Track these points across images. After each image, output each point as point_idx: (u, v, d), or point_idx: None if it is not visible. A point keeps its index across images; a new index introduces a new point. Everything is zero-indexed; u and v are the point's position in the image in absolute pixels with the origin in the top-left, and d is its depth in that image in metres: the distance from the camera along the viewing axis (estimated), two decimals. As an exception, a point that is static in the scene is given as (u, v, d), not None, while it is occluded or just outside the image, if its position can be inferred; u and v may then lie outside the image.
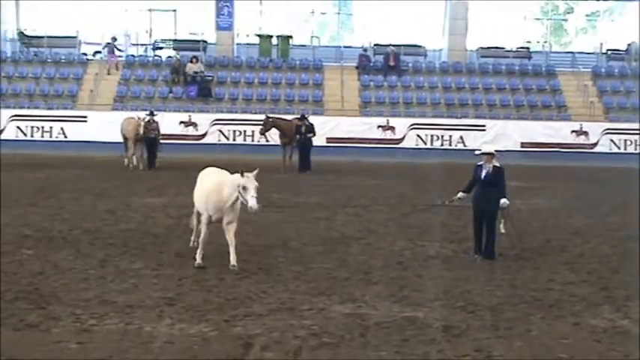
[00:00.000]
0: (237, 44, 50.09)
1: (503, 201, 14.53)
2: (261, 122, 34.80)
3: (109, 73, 46.16)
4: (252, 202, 13.15)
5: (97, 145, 38.83)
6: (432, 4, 51.56)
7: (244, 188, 13.35)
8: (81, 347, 9.16)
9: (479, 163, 14.94)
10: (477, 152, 15.20)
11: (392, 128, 43.09)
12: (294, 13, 54.89)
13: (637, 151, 42.64)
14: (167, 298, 11.35)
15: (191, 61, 45.75)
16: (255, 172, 13.66)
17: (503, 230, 14.66)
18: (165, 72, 46.59)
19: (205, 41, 49.88)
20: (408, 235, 17.04)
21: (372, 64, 47.99)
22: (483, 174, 14.72)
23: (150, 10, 50.75)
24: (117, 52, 46.93)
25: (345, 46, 52.57)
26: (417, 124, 43.48)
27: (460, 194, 15.20)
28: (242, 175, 13.62)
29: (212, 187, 14.09)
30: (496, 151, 14.99)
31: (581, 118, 44.54)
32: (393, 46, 48.36)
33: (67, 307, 10.76)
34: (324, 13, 57.88)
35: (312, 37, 53.15)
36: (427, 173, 30.87)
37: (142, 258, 14.19)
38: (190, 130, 42.55)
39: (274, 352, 9.09)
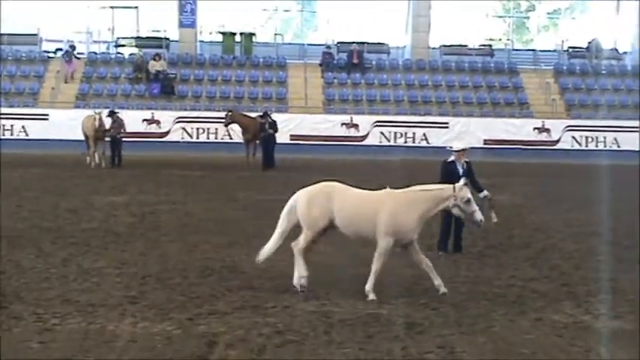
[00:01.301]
0: (200, 42, 49.94)
1: (485, 193, 14.64)
2: (224, 118, 34.88)
3: (66, 82, 45.59)
4: (480, 215, 11.95)
5: (59, 144, 38.55)
6: (395, 1, 51.65)
7: (467, 201, 11.81)
8: (43, 347, 9.08)
9: (449, 160, 15.02)
10: (454, 149, 15.25)
11: (355, 125, 43.19)
12: (258, 11, 54.77)
13: (598, 148, 43.07)
14: (130, 297, 11.28)
15: (154, 59, 45.56)
16: (463, 180, 12.19)
17: (496, 219, 14.63)
18: (128, 70, 46.36)
19: (168, 39, 49.72)
20: (372, 232, 17.06)
21: (335, 62, 48.08)
22: (460, 170, 14.80)
23: (112, 7, 50.40)
24: (74, 60, 46.21)
25: (308, 44, 52.62)
26: (381, 121, 43.61)
27: None
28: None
29: (401, 206, 11.82)
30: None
31: (543, 115, 44.91)
32: (357, 43, 48.48)
33: (28, 307, 10.66)
34: (287, 11, 57.84)
35: (275, 34, 53.15)
36: (390, 170, 30.92)
37: (104, 257, 14.10)
38: (153, 128, 42.41)
39: (238, 350, 9.06)
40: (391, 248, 11.81)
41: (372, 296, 11.52)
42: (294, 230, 12.16)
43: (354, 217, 11.93)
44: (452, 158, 14.99)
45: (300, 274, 11.87)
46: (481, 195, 14.60)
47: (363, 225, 11.88)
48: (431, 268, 11.87)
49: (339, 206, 11.91)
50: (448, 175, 14.71)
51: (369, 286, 11.64)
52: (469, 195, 11.87)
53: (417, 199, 11.86)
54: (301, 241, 12.06)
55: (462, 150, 15.01)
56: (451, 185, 11.93)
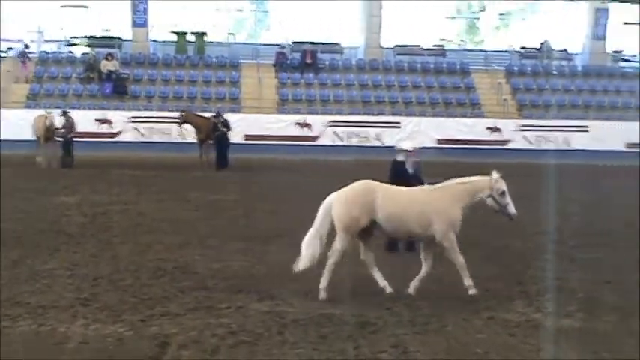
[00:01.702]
0: (153, 41, 49.62)
1: None
2: (177, 118, 34.72)
3: (26, 82, 45.07)
4: (513, 209, 12.24)
5: (9, 144, 38.03)
6: (349, 1, 51.74)
7: (502, 193, 12.10)
8: (-7, 349, 8.97)
9: (399, 160, 15.03)
10: (403, 148, 15.27)
11: (309, 125, 43.19)
12: (211, 11, 54.56)
13: (549, 148, 43.45)
14: (81, 299, 11.17)
15: (106, 59, 45.21)
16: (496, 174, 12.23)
17: None
18: (80, 69, 45.91)
19: (120, 38, 49.35)
20: (326, 232, 17.06)
21: (288, 62, 48.03)
22: (411, 170, 14.84)
23: (62, 6, 49.89)
24: (28, 61, 45.72)
25: (261, 44, 52.53)
26: (334, 121, 43.66)
27: None
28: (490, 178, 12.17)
29: (448, 201, 11.94)
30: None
31: (495, 115, 45.25)
32: (310, 43, 48.54)
33: (-22, 309, 10.52)
34: (240, 11, 57.66)
35: (228, 34, 52.98)
36: (344, 170, 30.96)
37: (55, 258, 13.95)
38: (105, 128, 42.05)
39: (191, 351, 9.02)
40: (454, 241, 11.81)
41: (473, 290, 11.63)
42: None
43: (402, 216, 11.79)
44: (401, 158, 15.01)
45: (323, 284, 11.64)
46: None
47: (413, 223, 11.80)
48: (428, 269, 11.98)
49: (384, 205, 11.72)
50: (398, 174, 14.75)
51: (467, 282, 11.72)
52: (504, 187, 12.08)
53: (457, 193, 12.00)
54: (338, 246, 11.77)
55: (412, 150, 15.05)
56: (487, 177, 12.08)
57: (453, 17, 57.61)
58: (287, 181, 27.82)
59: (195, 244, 15.51)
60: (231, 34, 53.31)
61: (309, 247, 11.79)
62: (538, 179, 28.72)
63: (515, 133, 44.23)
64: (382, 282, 11.84)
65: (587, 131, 44.56)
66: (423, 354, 9.06)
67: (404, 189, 12.34)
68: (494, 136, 44.04)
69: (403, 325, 10.16)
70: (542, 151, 42.71)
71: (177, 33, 49.51)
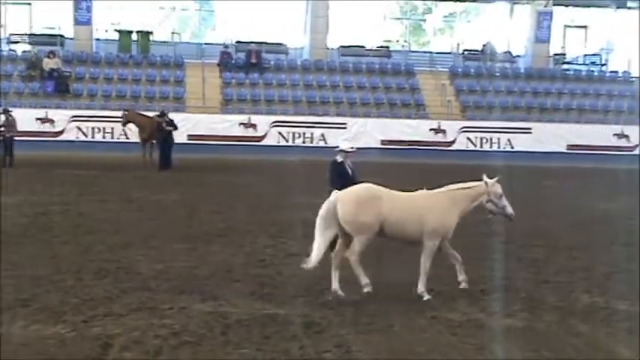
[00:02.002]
0: (96, 39, 49.15)
1: None
2: (121, 117, 34.45)
3: None
4: (510, 209, 12.42)
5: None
6: (294, 2, 51.77)
7: (500, 196, 12.34)
8: None
9: (339, 160, 15.05)
10: (340, 148, 15.28)
11: (253, 126, 43.14)
12: (155, 9, 54.24)
13: (492, 149, 43.90)
14: (21, 300, 11.01)
15: (48, 57, 44.70)
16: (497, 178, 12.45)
17: None
18: (21, 67, 45.33)
19: (63, 36, 48.79)
20: (270, 233, 17.05)
21: (233, 62, 47.90)
22: (350, 171, 14.89)
23: (3, 2, 49.20)
24: None
25: (206, 43, 52.41)
26: (279, 121, 43.65)
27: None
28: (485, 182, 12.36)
29: (445, 206, 12.13)
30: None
31: (439, 116, 45.58)
32: (255, 43, 48.47)
33: None
34: (185, 10, 57.43)
35: (172, 33, 52.69)
36: (289, 171, 31.00)
37: (-5, 258, 13.74)
38: (47, 127, 41.58)
39: (134, 352, 8.95)
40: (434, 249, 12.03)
41: (427, 296, 11.67)
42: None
43: (404, 220, 11.90)
44: (340, 158, 15.04)
45: (363, 282, 11.69)
46: None
47: (411, 227, 11.93)
48: (460, 263, 12.22)
49: (389, 209, 11.82)
50: (339, 175, 14.80)
51: (421, 287, 11.80)
52: (500, 190, 12.30)
53: (456, 198, 12.20)
54: (356, 249, 11.80)
55: (351, 150, 15.09)
56: (483, 182, 12.32)
57: (399, 18, 57.90)
58: (231, 182, 27.77)
59: (138, 245, 15.39)
60: (176, 33, 53.00)
61: (315, 249, 11.83)
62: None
63: (458, 135, 44.57)
64: (335, 284, 11.84)
65: (529, 133, 45.10)
66: (366, 353, 9.09)
67: (406, 194, 12.39)
68: (438, 138, 44.36)
69: (347, 325, 10.18)
70: (486, 152, 43.12)
71: (120, 31, 49.14)
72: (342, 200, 11.87)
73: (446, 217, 12.04)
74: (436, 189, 12.24)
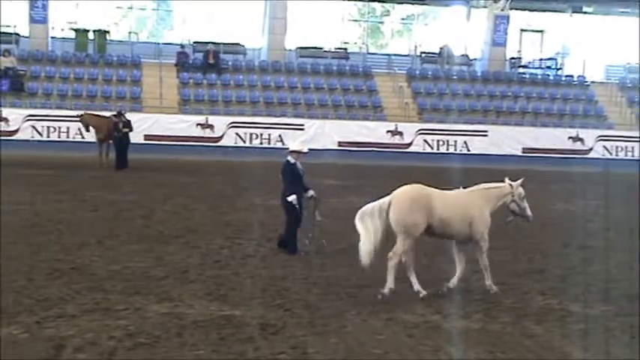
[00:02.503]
0: (52, 38, 48.67)
1: (311, 192, 15.25)
2: (78, 120, 34.14)
3: None
4: (529, 211, 12.93)
5: None
6: (252, 2, 51.65)
7: (523, 198, 12.84)
8: None
9: (292, 161, 15.09)
10: (303, 150, 15.32)
11: (211, 126, 43.01)
12: (112, 8, 53.88)
13: (449, 151, 44.16)
14: (-27, 301, 10.91)
15: (3, 55, 44.25)
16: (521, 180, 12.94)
17: (319, 218, 14.99)
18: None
19: (18, 34, 48.26)
20: (226, 234, 17.02)
21: (191, 62, 47.72)
22: (300, 171, 14.97)
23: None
24: None
25: (163, 43, 52.14)
26: (236, 122, 43.55)
27: (295, 196, 15.17)
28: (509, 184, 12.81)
29: (483, 204, 12.53)
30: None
31: (396, 118, 45.72)
32: (213, 44, 48.30)
33: None
34: (142, 9, 57.09)
35: (130, 32, 52.35)
36: (246, 172, 30.95)
37: (-54, 258, 13.56)
38: (2, 126, 41.09)
39: (88, 354, 8.89)
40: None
41: (494, 289, 12.25)
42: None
43: (454, 219, 12.22)
44: (293, 160, 15.09)
45: (388, 286, 11.85)
46: (311, 193, 14.93)
47: (461, 226, 12.28)
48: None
49: (441, 209, 12.09)
50: (292, 175, 14.88)
51: (489, 281, 12.33)
52: (524, 192, 12.80)
53: (489, 197, 12.63)
54: (399, 249, 12.00)
55: (306, 151, 15.23)
56: (507, 183, 12.77)
57: (357, 20, 58.02)
58: (188, 182, 27.66)
59: (94, 245, 15.29)
60: (133, 32, 52.67)
61: (367, 244, 12.10)
62: (438, 182, 29.13)
63: (415, 137, 44.75)
64: (416, 286, 12.09)
65: (486, 136, 45.41)
66: (322, 355, 9.10)
67: (452, 192, 12.68)
68: (396, 140, 44.50)
69: (303, 326, 10.19)
70: (443, 154, 43.35)
71: (77, 30, 48.73)
72: (397, 200, 12.19)
73: (486, 214, 12.49)
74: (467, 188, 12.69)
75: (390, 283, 11.85)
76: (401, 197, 12.18)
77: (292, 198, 14.95)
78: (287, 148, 15.67)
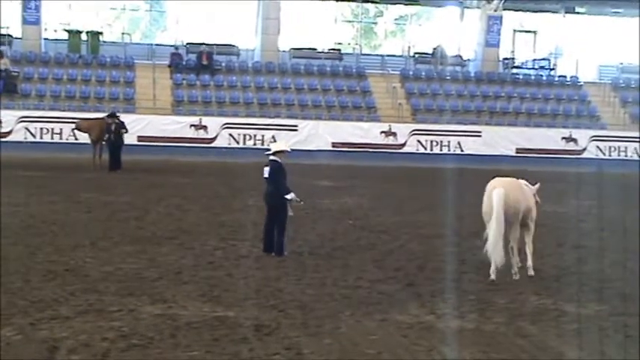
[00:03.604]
0: (45, 39, 48.63)
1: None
2: (72, 122, 34.10)
3: None
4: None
5: None
6: (245, 3, 51.70)
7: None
8: None
9: (279, 161, 14.99)
10: (287, 149, 15.29)
11: (204, 127, 43.03)
12: (105, 9, 53.84)
13: (442, 152, 44.18)
14: (-33, 302, 10.88)
15: (-5, 56, 44.24)
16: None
17: (291, 213, 14.94)
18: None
19: (11, 36, 48.21)
20: (220, 235, 17.01)
21: (184, 63, 47.73)
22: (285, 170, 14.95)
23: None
24: None
25: (157, 44, 52.17)
26: (230, 123, 43.56)
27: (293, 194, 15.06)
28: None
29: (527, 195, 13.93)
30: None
31: (390, 119, 45.76)
32: (206, 45, 48.32)
33: None
34: (135, 10, 57.09)
35: (123, 33, 52.36)
36: (239, 172, 30.93)
37: (-60, 260, 13.52)
38: (-3, 128, 41.09)
39: (81, 355, 8.86)
40: None
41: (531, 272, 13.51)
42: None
43: (528, 207, 13.68)
44: (280, 159, 14.95)
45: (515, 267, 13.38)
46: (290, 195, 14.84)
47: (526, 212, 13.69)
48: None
49: (529, 199, 13.75)
50: (284, 174, 14.81)
51: (530, 264, 13.60)
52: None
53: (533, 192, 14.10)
54: (517, 235, 13.46)
55: (290, 150, 15.22)
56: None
57: (350, 21, 58.05)
58: (181, 183, 27.65)
59: (87, 247, 15.27)
60: (126, 33, 52.66)
61: (496, 242, 12.94)
62: (432, 183, 29.19)
63: (409, 137, 44.78)
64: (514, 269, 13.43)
65: (479, 136, 45.46)
66: (316, 355, 9.09)
67: (521, 182, 14.01)
68: (389, 140, 44.53)
69: (297, 327, 10.17)
70: (436, 155, 43.39)
71: (70, 31, 48.70)
72: (512, 190, 13.38)
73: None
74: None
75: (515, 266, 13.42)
76: (510, 187, 13.45)
77: (292, 196, 14.86)
78: (269, 149, 15.44)
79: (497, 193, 13.09)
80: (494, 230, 12.93)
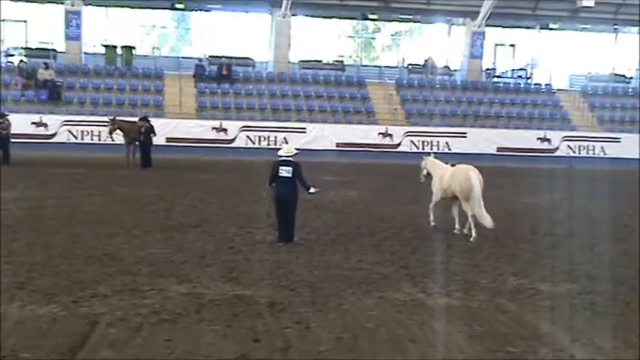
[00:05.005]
0: (85, 53, 48.67)
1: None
2: (108, 123, 34.00)
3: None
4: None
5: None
6: (260, 21, 51.69)
7: None
8: (-64, 329, 8.69)
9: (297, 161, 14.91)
10: (298, 151, 15.23)
11: (225, 130, 42.99)
12: (137, 26, 53.86)
13: (433, 150, 44.09)
14: (18, 283, 10.90)
15: (42, 68, 44.24)
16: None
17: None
18: (18, 77, 44.75)
19: (55, 50, 48.27)
20: (238, 223, 17.01)
21: (207, 73, 47.70)
22: None
23: (2, 20, 48.55)
24: None
25: (183, 57, 52.07)
26: (247, 126, 43.54)
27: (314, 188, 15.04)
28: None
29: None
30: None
31: (387, 122, 45.70)
32: (226, 57, 48.26)
33: None
34: (164, 27, 57.07)
35: (153, 48, 52.37)
36: (255, 169, 30.92)
37: (-6, 246, 13.56)
38: (41, 130, 41.12)
39: (118, 329, 8.89)
40: None
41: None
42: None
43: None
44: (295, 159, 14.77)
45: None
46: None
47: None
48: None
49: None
50: (303, 172, 14.74)
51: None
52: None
53: None
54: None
55: (297, 152, 15.04)
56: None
57: (351, 37, 57.97)
58: (204, 179, 27.66)
59: (122, 234, 15.29)
60: (156, 48, 52.69)
61: (486, 216, 15.24)
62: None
63: (403, 138, 44.72)
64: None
65: (465, 137, 45.37)
66: (323, 329, 9.11)
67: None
68: (386, 141, 44.47)
69: (306, 304, 10.19)
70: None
71: (107, 46, 48.72)
72: (477, 172, 15.63)
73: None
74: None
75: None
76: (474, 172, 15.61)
77: (315, 189, 14.89)
78: (277, 150, 15.24)
79: (474, 175, 15.42)
80: (479, 201, 15.21)
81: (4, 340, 8.35)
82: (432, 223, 16.74)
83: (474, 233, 15.47)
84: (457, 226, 16.32)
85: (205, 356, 8.06)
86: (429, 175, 17.52)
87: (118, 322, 9.14)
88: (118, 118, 34.59)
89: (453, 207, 16.60)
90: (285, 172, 14.49)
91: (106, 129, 34.76)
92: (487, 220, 15.15)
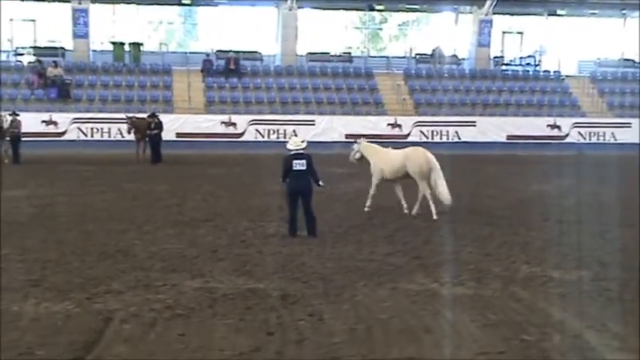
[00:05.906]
0: (93, 51, 48.72)
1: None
2: (124, 121, 34.12)
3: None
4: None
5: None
6: (266, 14, 51.63)
7: None
8: (-48, 328, 8.73)
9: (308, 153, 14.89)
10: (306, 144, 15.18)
11: (234, 124, 43.01)
12: (144, 23, 53.86)
13: (442, 140, 44.02)
14: (32, 280, 10.94)
15: (51, 66, 44.33)
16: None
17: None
18: (27, 76, 44.89)
19: (63, 48, 48.35)
20: (250, 217, 17.03)
21: (215, 68, 47.67)
22: None
23: (11, 19, 48.67)
24: None
25: (190, 52, 52.06)
26: (256, 120, 43.55)
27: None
28: None
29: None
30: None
31: (395, 112, 45.62)
32: (233, 52, 48.22)
33: (-63, 292, 10.22)
34: (171, 23, 57.06)
35: (161, 44, 52.39)
36: (264, 163, 30.92)
37: (8, 244, 13.60)
38: (51, 128, 41.22)
39: (132, 325, 8.91)
40: None
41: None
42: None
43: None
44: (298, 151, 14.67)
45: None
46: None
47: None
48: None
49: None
50: (314, 164, 14.71)
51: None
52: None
53: None
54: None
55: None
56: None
57: (359, 28, 57.85)
58: (214, 173, 27.69)
59: (134, 230, 15.33)
60: (164, 43, 52.71)
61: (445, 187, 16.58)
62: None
63: (413, 128, 44.66)
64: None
65: (474, 126, 45.27)
66: (336, 321, 9.11)
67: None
68: (395, 131, 44.37)
69: (318, 296, 10.19)
70: (436, 143, 43.23)
71: (114, 43, 48.76)
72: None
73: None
74: None
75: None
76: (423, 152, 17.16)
77: (324, 184, 14.91)
78: (290, 144, 15.10)
79: (430, 155, 17.13)
80: (442, 179, 16.66)
81: (21, 338, 8.39)
82: (367, 209, 17.45)
83: (434, 211, 16.48)
84: (404, 204, 17.38)
85: (219, 350, 8.08)
86: (362, 159, 18.11)
87: (132, 318, 9.17)
88: (130, 115, 34.68)
89: (396, 189, 17.65)
90: (299, 165, 14.41)
91: (116, 127, 34.88)
92: (446, 196, 16.42)
